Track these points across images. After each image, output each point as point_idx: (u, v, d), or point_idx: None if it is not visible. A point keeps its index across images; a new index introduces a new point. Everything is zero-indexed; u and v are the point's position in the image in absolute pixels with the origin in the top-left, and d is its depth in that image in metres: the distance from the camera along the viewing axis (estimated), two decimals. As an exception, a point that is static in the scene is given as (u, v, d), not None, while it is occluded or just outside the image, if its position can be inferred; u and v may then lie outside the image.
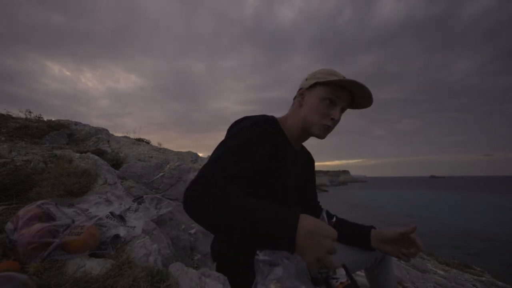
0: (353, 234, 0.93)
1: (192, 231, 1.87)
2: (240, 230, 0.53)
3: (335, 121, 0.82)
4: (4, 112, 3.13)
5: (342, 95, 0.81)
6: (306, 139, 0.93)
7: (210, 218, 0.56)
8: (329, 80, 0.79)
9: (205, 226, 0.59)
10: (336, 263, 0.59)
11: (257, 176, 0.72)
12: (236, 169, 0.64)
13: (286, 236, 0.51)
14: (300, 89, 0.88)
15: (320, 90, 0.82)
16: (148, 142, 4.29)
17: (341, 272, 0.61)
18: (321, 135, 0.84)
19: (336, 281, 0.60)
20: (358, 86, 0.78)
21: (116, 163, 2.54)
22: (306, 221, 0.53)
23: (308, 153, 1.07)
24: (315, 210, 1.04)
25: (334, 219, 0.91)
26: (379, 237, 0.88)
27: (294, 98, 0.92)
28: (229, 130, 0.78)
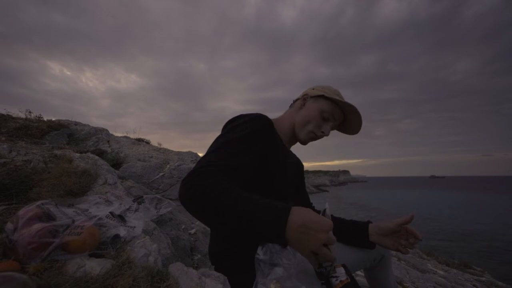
0: (350, 231, 0.93)
1: (192, 231, 1.87)
2: (232, 223, 0.54)
3: (324, 135, 0.90)
4: (4, 112, 3.13)
5: (337, 115, 0.89)
6: (294, 142, 0.96)
7: (203, 211, 0.57)
8: (334, 98, 0.87)
9: (200, 219, 0.61)
10: (335, 260, 0.59)
11: (255, 171, 0.72)
12: (232, 161, 0.64)
13: (276, 230, 0.51)
14: (306, 94, 0.93)
15: (323, 103, 0.88)
16: (148, 142, 4.29)
17: (341, 271, 0.61)
18: (306, 142, 0.92)
19: (336, 279, 0.60)
20: (354, 113, 0.87)
21: (116, 163, 2.54)
22: (298, 215, 0.52)
23: (297, 158, 1.08)
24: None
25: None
26: (378, 231, 0.88)
27: (295, 101, 0.95)
28: (224, 127, 0.78)
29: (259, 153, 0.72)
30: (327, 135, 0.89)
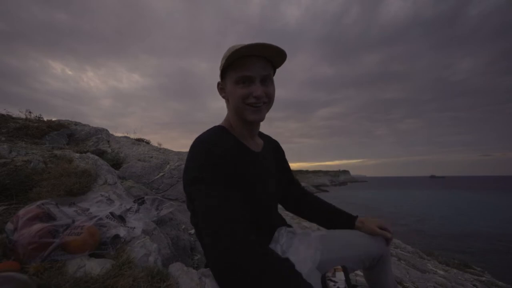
0: (339, 220, 1.01)
1: (192, 231, 1.87)
2: None
3: (260, 96, 0.74)
4: (4, 112, 3.13)
5: (252, 65, 0.72)
6: (255, 130, 0.88)
7: None
8: (226, 61, 0.71)
9: None
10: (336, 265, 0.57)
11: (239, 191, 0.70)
12: (233, 215, 0.60)
13: None
14: (218, 83, 0.82)
15: (230, 74, 0.75)
16: (148, 142, 4.30)
17: (340, 276, 0.58)
18: (255, 118, 0.77)
19: (334, 285, 0.58)
20: (260, 48, 0.69)
21: (116, 163, 2.54)
22: None
23: (274, 142, 1.05)
24: (295, 188, 1.09)
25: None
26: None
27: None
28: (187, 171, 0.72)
29: (228, 177, 0.68)
30: (261, 93, 0.73)
